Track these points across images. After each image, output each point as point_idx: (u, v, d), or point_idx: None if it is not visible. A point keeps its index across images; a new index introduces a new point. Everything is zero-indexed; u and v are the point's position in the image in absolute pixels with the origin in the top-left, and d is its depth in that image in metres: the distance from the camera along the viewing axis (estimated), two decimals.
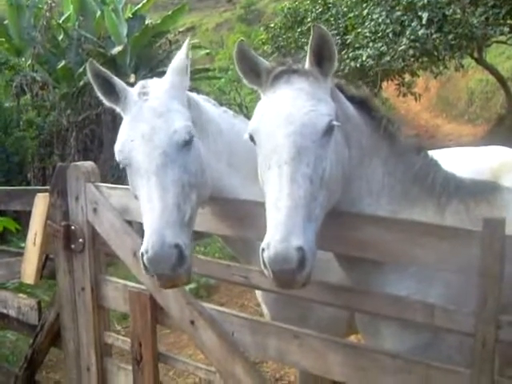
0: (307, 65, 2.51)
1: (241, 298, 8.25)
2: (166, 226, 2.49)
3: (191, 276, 2.64)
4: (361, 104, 2.72)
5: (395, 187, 2.70)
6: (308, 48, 2.49)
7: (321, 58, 2.47)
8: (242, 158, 3.11)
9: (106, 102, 2.93)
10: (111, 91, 2.88)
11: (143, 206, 2.61)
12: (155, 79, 2.95)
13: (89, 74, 2.90)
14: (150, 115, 2.72)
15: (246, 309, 7.87)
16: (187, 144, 2.69)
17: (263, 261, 2.16)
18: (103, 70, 2.89)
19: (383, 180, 2.68)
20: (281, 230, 2.12)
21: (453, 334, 2.48)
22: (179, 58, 2.92)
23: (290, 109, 2.36)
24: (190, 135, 2.70)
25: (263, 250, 2.15)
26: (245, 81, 2.63)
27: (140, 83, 2.89)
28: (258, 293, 3.61)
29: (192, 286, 8.32)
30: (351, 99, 2.70)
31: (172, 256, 2.46)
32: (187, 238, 2.58)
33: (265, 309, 3.62)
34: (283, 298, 3.18)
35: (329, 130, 2.34)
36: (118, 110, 2.88)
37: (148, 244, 2.46)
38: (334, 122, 2.35)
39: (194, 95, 3.13)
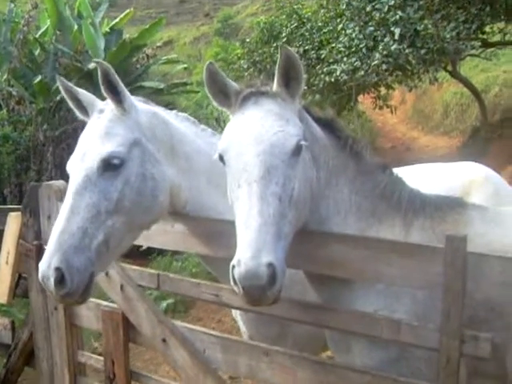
0: (275, 86, 2.56)
1: (218, 313, 8.23)
2: (58, 248, 2.54)
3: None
4: (327, 125, 2.77)
5: (362, 205, 2.73)
6: (276, 69, 2.54)
7: (288, 79, 2.52)
8: (222, 175, 3.13)
9: (80, 116, 2.99)
10: (82, 105, 2.94)
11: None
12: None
13: (61, 90, 2.96)
14: (92, 135, 2.78)
15: (223, 324, 7.87)
16: (111, 169, 2.69)
17: (233, 278, 2.19)
18: (71, 85, 2.94)
19: (350, 198, 2.72)
20: (251, 247, 2.15)
21: (420, 349, 2.52)
22: None
23: (259, 129, 2.41)
24: (113, 161, 2.69)
25: (233, 267, 2.18)
26: (214, 102, 2.68)
27: (107, 100, 2.92)
28: (235, 312, 3.61)
29: (170, 301, 8.29)
30: (318, 120, 2.75)
31: (52, 278, 2.51)
32: (87, 262, 2.58)
33: (242, 327, 3.61)
34: (262, 317, 3.19)
35: (297, 149, 2.39)
36: None
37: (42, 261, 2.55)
38: (303, 142, 2.40)
39: (167, 114, 3.13)
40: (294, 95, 2.55)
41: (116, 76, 2.79)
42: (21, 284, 4.29)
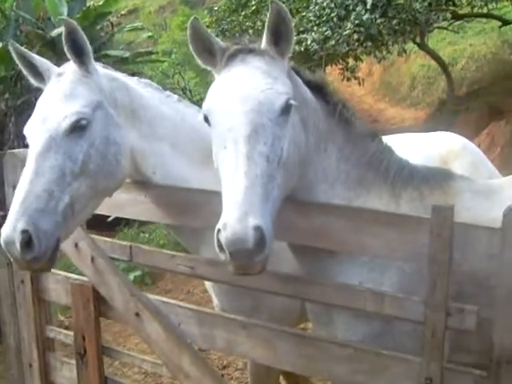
0: (263, 44, 2.46)
1: (186, 284, 8.16)
2: (24, 211, 2.44)
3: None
4: (317, 88, 2.66)
5: (351, 173, 2.65)
6: (265, 26, 2.43)
7: (278, 37, 2.41)
8: (188, 142, 3.09)
9: (35, 83, 2.90)
10: (37, 71, 2.86)
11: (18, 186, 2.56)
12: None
13: (13, 55, 2.86)
14: (53, 98, 2.70)
15: (192, 296, 7.81)
16: (77, 130, 2.63)
17: (219, 243, 2.06)
18: (24, 50, 2.87)
19: (339, 166, 2.63)
20: (238, 209, 2.03)
21: (404, 322, 2.46)
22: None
23: (246, 87, 2.30)
24: (81, 122, 2.63)
25: (219, 230, 2.05)
26: (199, 61, 2.56)
27: (64, 64, 2.85)
28: (208, 284, 3.54)
29: (137, 273, 8.19)
30: (307, 83, 2.64)
31: (18, 241, 2.40)
32: (53, 225, 2.50)
33: (215, 300, 3.56)
34: (235, 289, 3.12)
35: (286, 108, 2.29)
36: None
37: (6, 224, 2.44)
38: (292, 101, 2.30)
39: (129, 79, 3.08)
40: (283, 53, 2.44)
41: (83, 35, 2.71)
42: None
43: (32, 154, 2.58)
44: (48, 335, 3.82)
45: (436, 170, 2.93)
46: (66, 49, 2.71)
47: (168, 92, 3.25)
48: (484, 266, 2.27)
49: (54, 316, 4.59)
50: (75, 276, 3.55)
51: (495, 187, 2.92)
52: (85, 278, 3.42)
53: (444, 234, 2.24)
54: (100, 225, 2.78)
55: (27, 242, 2.41)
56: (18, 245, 2.40)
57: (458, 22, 15.42)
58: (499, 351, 2.19)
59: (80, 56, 2.73)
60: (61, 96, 2.68)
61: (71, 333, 3.59)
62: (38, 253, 2.44)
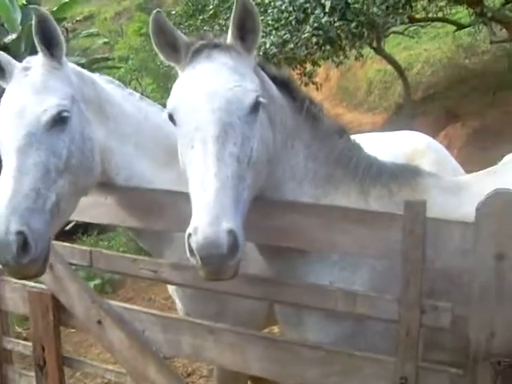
0: (229, 39, 2.38)
1: (148, 292, 8.02)
2: (13, 211, 2.28)
3: None
4: (283, 84, 2.59)
5: (319, 171, 2.59)
6: (231, 20, 2.35)
7: (244, 32, 2.34)
8: (151, 141, 3.00)
9: None
10: None
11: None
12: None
13: None
14: (25, 92, 2.55)
15: (154, 303, 7.67)
16: (58, 124, 2.50)
17: (190, 247, 1.98)
18: None
19: (306, 164, 2.57)
20: (209, 212, 1.95)
21: (377, 321, 2.40)
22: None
23: (213, 84, 2.21)
24: (63, 114, 2.51)
25: (190, 235, 1.97)
26: (161, 56, 2.46)
27: (27, 58, 2.70)
28: (171, 288, 3.44)
29: (96, 282, 8.03)
30: (273, 79, 2.56)
31: (14, 243, 2.24)
32: (45, 225, 2.37)
33: (178, 304, 3.46)
34: (199, 294, 3.03)
35: (255, 106, 2.21)
36: (5, 87, 2.69)
37: None
38: (261, 99, 2.23)
39: (91, 75, 2.96)
40: (249, 49, 2.37)
41: (55, 25, 2.57)
42: None
43: (10, 151, 2.43)
44: (5, 347, 3.68)
45: (404, 166, 2.89)
46: (36, 40, 2.57)
47: (130, 90, 3.17)
48: (457, 262, 2.23)
49: (11, 328, 4.42)
50: (32, 283, 3.39)
51: (462, 184, 2.91)
52: (43, 286, 3.28)
53: (417, 230, 2.20)
54: (58, 233, 2.67)
55: (23, 243, 2.26)
56: (13, 247, 2.24)
57: (414, 27, 15.64)
58: (475, 348, 2.15)
59: (52, 48, 2.60)
60: (33, 90, 2.54)
61: (30, 343, 3.45)
62: (35, 255, 2.30)
